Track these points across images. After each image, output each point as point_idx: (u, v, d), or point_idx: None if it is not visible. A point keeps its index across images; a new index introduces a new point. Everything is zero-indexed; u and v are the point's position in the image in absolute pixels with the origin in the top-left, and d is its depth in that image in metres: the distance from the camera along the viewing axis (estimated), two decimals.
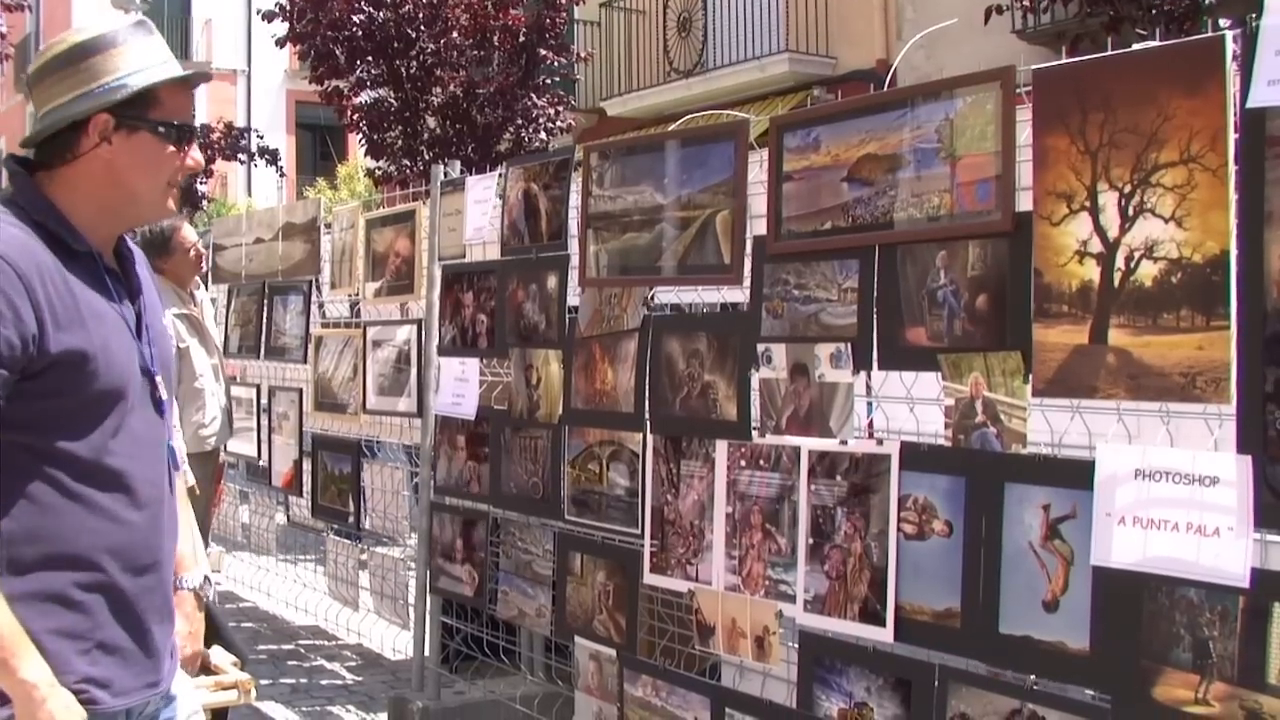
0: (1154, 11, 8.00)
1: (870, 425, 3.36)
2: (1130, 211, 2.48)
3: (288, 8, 11.82)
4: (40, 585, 1.90)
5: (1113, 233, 2.51)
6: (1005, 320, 2.73)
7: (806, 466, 3.16)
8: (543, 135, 12.12)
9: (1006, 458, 2.72)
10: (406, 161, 11.78)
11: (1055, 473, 2.63)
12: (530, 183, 4.40)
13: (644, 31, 17.02)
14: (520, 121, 11.88)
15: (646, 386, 3.71)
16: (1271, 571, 2.35)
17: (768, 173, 3.30)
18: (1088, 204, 2.55)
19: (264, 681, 5.42)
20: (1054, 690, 2.65)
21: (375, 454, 5.82)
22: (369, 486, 5.65)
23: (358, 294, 5.83)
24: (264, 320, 6.53)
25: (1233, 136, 2.34)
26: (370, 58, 11.59)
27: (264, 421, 6.50)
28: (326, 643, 6.58)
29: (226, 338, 6.78)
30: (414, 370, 5.19)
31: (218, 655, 3.23)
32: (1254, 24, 2.31)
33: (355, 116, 11.96)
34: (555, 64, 12.42)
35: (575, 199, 4.14)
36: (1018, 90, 2.72)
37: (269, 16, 12.26)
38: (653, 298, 3.83)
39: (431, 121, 11.85)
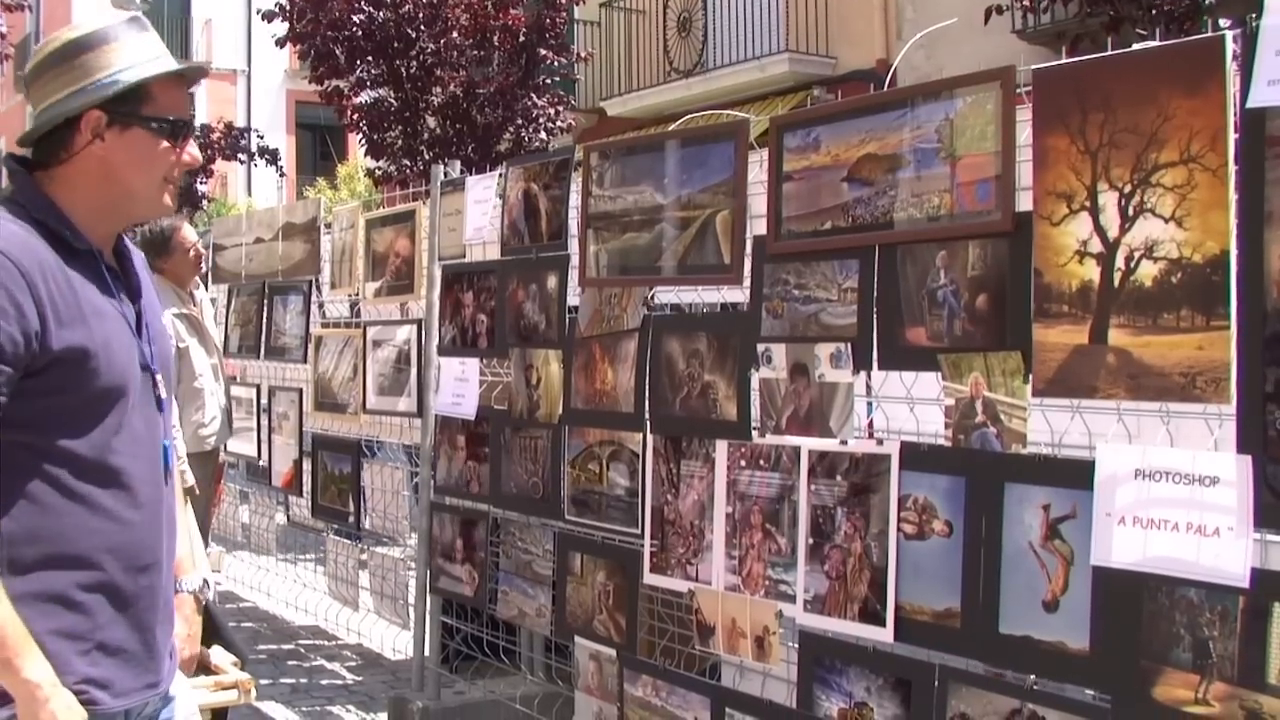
0: (1154, 11, 8.00)
1: (870, 425, 3.36)
2: (1130, 211, 2.48)
3: (288, 8, 11.82)
4: (41, 585, 1.90)
5: (1113, 233, 2.51)
6: (1005, 320, 2.73)
7: (806, 466, 3.16)
8: (543, 135, 12.12)
9: (1006, 458, 2.72)
10: (406, 161, 11.78)
11: (1055, 473, 2.63)
12: (530, 183, 4.40)
13: (644, 31, 17.02)
14: (520, 121, 11.88)
15: (646, 386, 3.71)
16: (1271, 571, 2.35)
17: (768, 173, 3.30)
18: (1088, 204, 2.55)
19: (264, 681, 5.42)
20: (1054, 690, 2.65)
21: (375, 454, 5.82)
22: (369, 486, 5.65)
23: (358, 294, 5.83)
24: (264, 320, 6.53)
25: (1233, 136, 2.34)
26: (370, 58, 11.59)
27: (264, 421, 6.50)
28: (326, 643, 6.58)
29: (226, 338, 6.78)
30: (414, 370, 5.19)
31: (218, 655, 3.23)
32: (1254, 24, 2.31)
33: (355, 116, 11.96)
34: (555, 64, 12.42)
35: (575, 199, 4.14)
36: (1018, 90, 2.72)
37: (269, 16, 12.26)
38: (653, 298, 3.83)
39: (431, 121, 11.85)
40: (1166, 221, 2.43)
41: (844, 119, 3.12)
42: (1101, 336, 2.52)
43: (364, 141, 12.20)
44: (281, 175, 19.81)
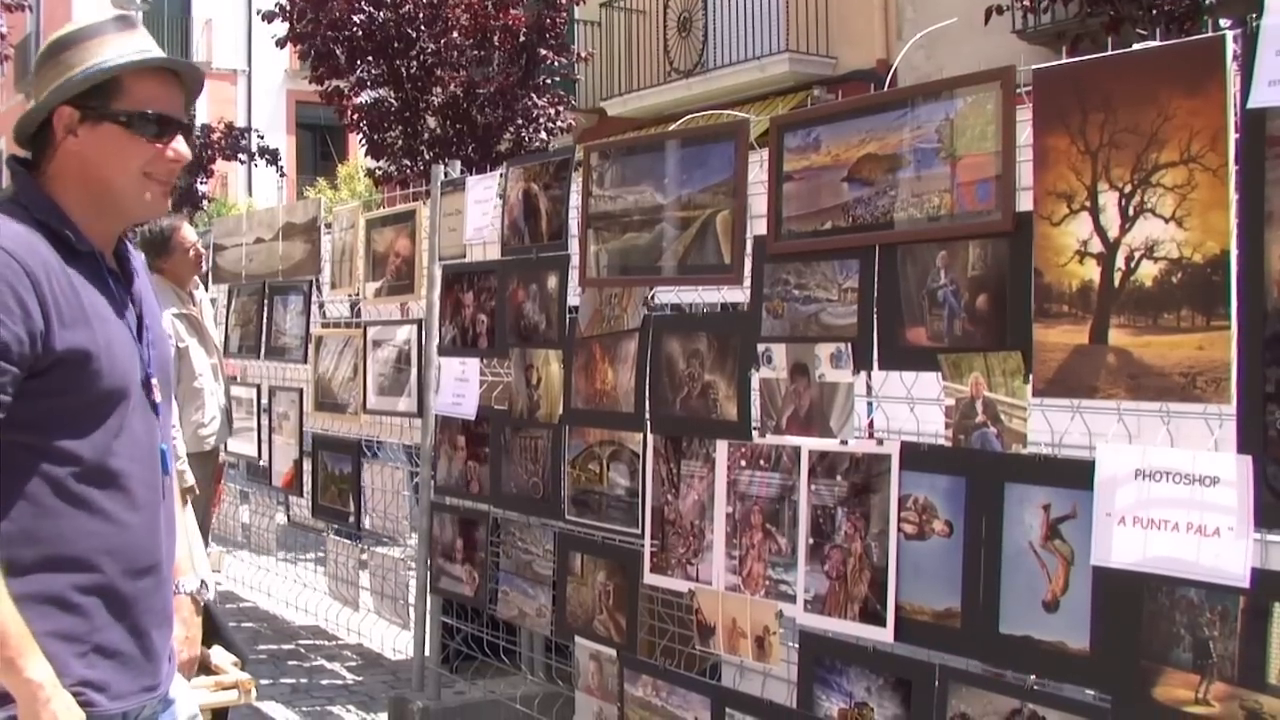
0: (1154, 11, 8.00)
1: (870, 425, 3.36)
2: (1130, 211, 2.48)
3: (288, 8, 11.82)
4: (38, 587, 1.89)
5: (1113, 233, 2.51)
6: (1005, 320, 2.73)
7: (807, 466, 3.16)
8: (543, 135, 12.11)
9: (1007, 458, 2.72)
10: (406, 161, 11.78)
11: (1055, 473, 2.63)
12: (530, 183, 4.40)
13: (644, 31, 17.02)
14: (520, 121, 11.87)
15: (646, 386, 3.71)
16: (1271, 571, 2.35)
17: (768, 173, 3.30)
18: (1088, 204, 2.55)
19: (264, 681, 5.42)
20: (1054, 690, 2.65)
21: (375, 454, 5.82)
22: (369, 486, 5.65)
23: (358, 294, 5.84)
24: (264, 320, 6.53)
25: (1233, 136, 2.34)
26: (370, 58, 11.58)
27: (264, 421, 6.50)
28: (326, 643, 6.58)
29: (227, 338, 6.79)
30: (414, 370, 5.19)
31: (218, 655, 3.23)
32: (1254, 24, 2.31)
33: (355, 116, 11.96)
34: (555, 64, 12.42)
35: (575, 199, 4.14)
36: (1018, 90, 2.72)
37: (269, 17, 12.25)
38: (653, 298, 3.83)
39: (431, 121, 11.84)
40: (1167, 221, 2.43)
41: (844, 119, 3.12)
42: (1102, 336, 2.52)
43: (364, 141, 12.19)
44: (282, 175, 19.82)
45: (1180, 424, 2.54)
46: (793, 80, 14.78)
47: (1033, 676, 2.67)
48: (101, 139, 2.01)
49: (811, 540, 3.15)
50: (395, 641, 6.11)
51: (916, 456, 2.93)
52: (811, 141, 3.18)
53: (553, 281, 4.20)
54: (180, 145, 2.06)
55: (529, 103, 11.89)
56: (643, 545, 3.70)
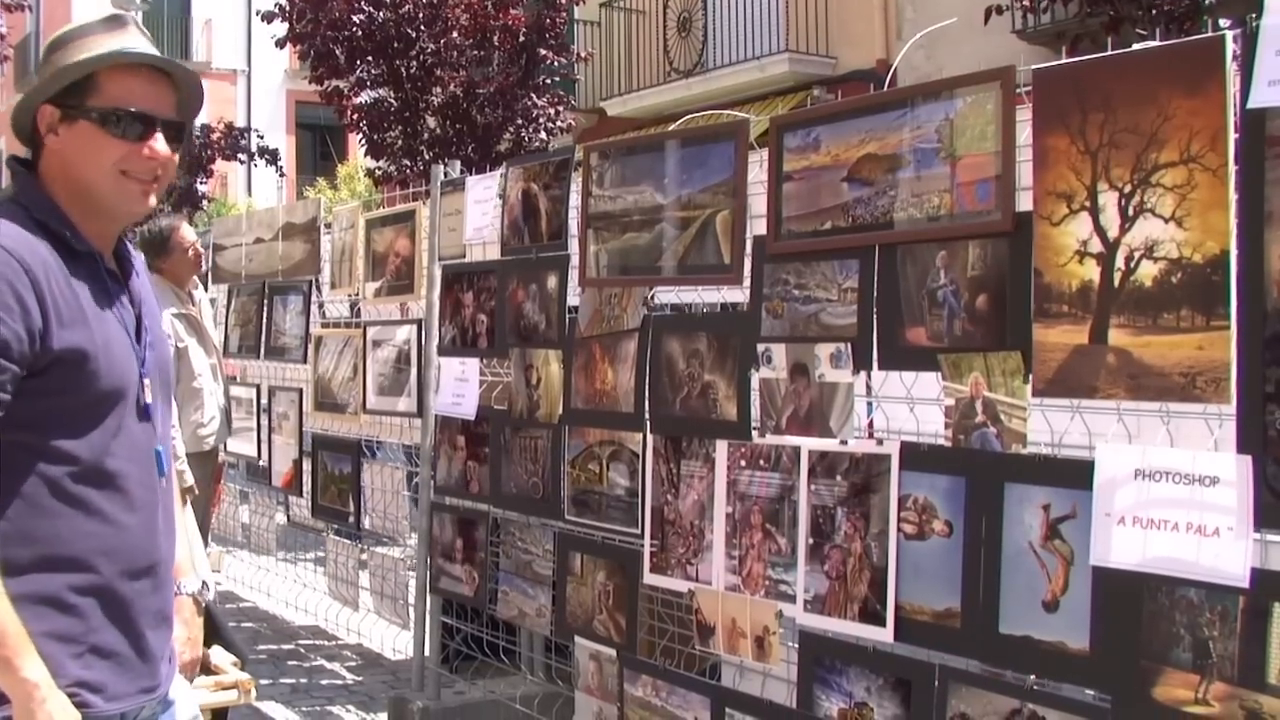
0: (1154, 11, 8.00)
1: (870, 425, 3.36)
2: (1130, 211, 2.48)
3: (287, 8, 11.82)
4: (34, 587, 1.89)
5: (1113, 233, 2.51)
6: (1005, 320, 2.73)
7: (806, 466, 3.16)
8: (543, 135, 12.11)
9: (1006, 458, 2.72)
10: (406, 161, 11.78)
11: (1055, 473, 2.63)
12: (530, 183, 4.40)
13: (644, 31, 17.02)
14: (520, 121, 11.87)
15: (646, 386, 3.71)
16: (1271, 571, 2.35)
17: (768, 173, 3.30)
18: (1088, 204, 2.55)
19: (264, 681, 5.42)
20: (1054, 690, 2.65)
21: (375, 454, 5.82)
22: (369, 486, 5.65)
23: (358, 294, 5.84)
24: (264, 320, 6.53)
25: (1233, 136, 2.34)
26: (370, 58, 11.58)
27: (264, 421, 6.50)
28: (326, 643, 6.58)
29: (226, 337, 6.79)
30: (414, 370, 5.19)
31: (218, 655, 3.23)
32: (1254, 24, 2.31)
33: (355, 116, 11.96)
34: (555, 64, 12.41)
35: (575, 199, 4.14)
36: (1018, 90, 2.72)
37: (268, 17, 12.25)
38: (653, 298, 3.83)
39: (431, 121, 11.84)
40: (1166, 221, 2.43)
41: (844, 119, 3.12)
42: (1101, 336, 2.52)
43: (364, 141, 12.19)
44: (281, 175, 19.83)
45: (1180, 424, 2.54)
46: (792, 80, 14.78)
47: (1032, 676, 2.67)
48: (78, 137, 2.00)
49: (811, 540, 3.15)
50: (395, 641, 6.11)
51: (916, 456, 2.93)
52: (811, 141, 3.18)
53: (552, 281, 4.20)
54: (158, 143, 2.02)
55: (529, 103, 11.89)
56: (642, 545, 3.70)
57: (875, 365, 3.08)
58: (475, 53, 11.63)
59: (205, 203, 18.70)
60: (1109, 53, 2.63)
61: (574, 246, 4.09)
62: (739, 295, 3.52)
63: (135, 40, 2.06)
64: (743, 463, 3.37)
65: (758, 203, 3.38)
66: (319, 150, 28.45)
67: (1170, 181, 2.42)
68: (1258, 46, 2.29)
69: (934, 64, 10.15)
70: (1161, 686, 2.40)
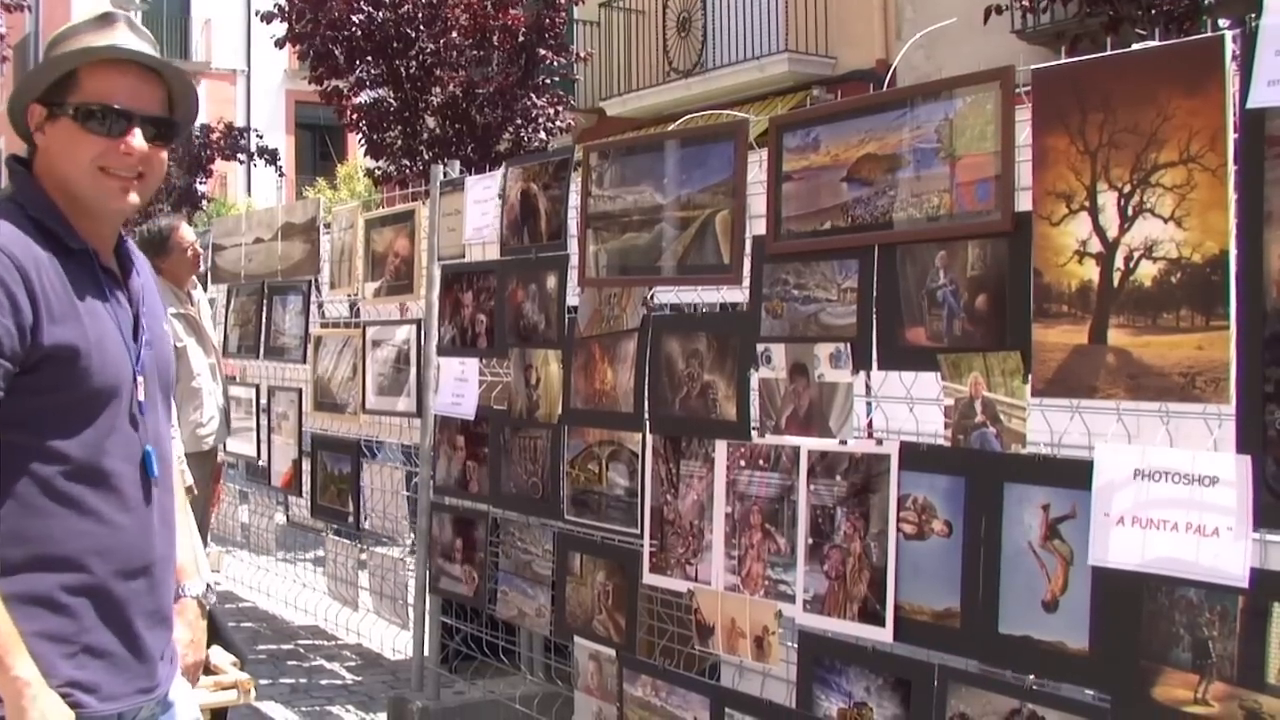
0: (1154, 11, 8.00)
1: (870, 425, 3.36)
2: (1130, 211, 2.48)
3: (286, 8, 11.82)
4: (26, 587, 1.88)
5: (1112, 233, 2.51)
6: (1005, 320, 2.73)
7: (806, 466, 3.16)
8: (542, 135, 12.11)
9: (1006, 458, 2.72)
10: (406, 161, 11.78)
11: (1055, 473, 2.63)
12: (530, 183, 4.40)
13: (644, 31, 17.02)
14: (520, 121, 11.87)
15: (646, 386, 3.71)
16: (1271, 571, 2.35)
17: (767, 173, 3.30)
18: (1087, 204, 2.55)
19: (264, 681, 5.42)
20: (1053, 690, 2.65)
21: (375, 454, 5.82)
22: (368, 486, 5.65)
23: (357, 294, 5.84)
24: (263, 320, 6.53)
25: (1232, 136, 2.34)
26: (370, 58, 11.58)
27: (263, 421, 6.50)
28: (326, 643, 6.58)
29: (226, 337, 6.79)
30: (413, 370, 5.19)
31: (217, 655, 3.24)
32: (1254, 24, 2.31)
33: (355, 116, 11.95)
34: (555, 64, 12.41)
35: (575, 199, 4.14)
36: (1017, 90, 2.72)
37: (268, 17, 12.24)
38: (652, 298, 3.83)
39: (431, 121, 11.84)
40: (1166, 221, 2.43)
41: (844, 119, 3.12)
42: (1101, 336, 2.52)
43: (364, 141, 12.19)
44: (281, 175, 19.85)
45: (1179, 424, 2.54)
46: (792, 80, 14.78)
47: (1032, 676, 2.67)
48: (59, 134, 2.01)
49: (811, 540, 3.15)
50: (395, 641, 6.11)
51: (916, 456, 2.93)
52: (811, 141, 3.18)
53: (552, 281, 4.20)
54: (135, 139, 2.00)
55: (528, 103, 11.89)
56: (642, 545, 3.70)
57: (875, 365, 3.08)
58: (475, 53, 11.63)
59: (205, 202, 18.71)
60: (1108, 53, 2.63)
61: (573, 246, 4.09)
62: (738, 295, 3.52)
63: (125, 37, 2.05)
64: (742, 463, 3.37)
65: (757, 203, 3.38)
66: (318, 150, 28.46)
67: (1170, 181, 2.42)
68: (1257, 46, 2.29)
69: (933, 64, 10.15)
70: (1161, 686, 2.40)
